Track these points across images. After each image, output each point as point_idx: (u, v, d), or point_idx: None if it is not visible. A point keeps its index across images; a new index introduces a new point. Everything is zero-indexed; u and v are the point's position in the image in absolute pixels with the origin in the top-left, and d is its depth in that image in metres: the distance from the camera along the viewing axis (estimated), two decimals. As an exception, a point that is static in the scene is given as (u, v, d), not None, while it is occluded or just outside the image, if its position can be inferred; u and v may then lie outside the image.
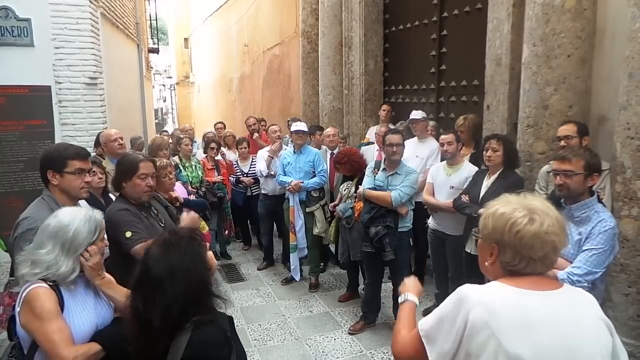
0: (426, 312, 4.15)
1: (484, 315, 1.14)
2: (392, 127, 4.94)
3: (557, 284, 1.25)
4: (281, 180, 4.78)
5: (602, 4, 3.19)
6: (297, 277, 4.94)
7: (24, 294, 1.63)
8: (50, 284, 1.68)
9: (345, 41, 6.36)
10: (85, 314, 1.75)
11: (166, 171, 3.32)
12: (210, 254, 1.62)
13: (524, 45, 3.47)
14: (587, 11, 3.20)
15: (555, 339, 1.13)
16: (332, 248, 5.41)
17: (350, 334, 3.86)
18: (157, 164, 3.36)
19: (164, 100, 31.78)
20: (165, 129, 16.75)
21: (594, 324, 1.19)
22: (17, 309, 1.64)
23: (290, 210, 4.74)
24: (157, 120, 20.18)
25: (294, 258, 4.86)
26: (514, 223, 1.19)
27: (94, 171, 3.24)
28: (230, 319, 1.60)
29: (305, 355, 3.59)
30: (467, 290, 1.21)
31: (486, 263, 1.28)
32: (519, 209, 1.21)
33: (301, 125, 4.85)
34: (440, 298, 4.15)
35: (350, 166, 4.10)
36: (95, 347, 1.66)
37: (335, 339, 3.80)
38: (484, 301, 1.16)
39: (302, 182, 4.63)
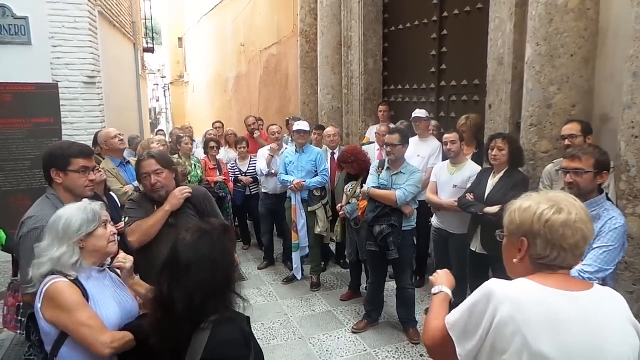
0: (427, 311, 4.15)
1: (511, 310, 1.14)
2: (392, 126, 4.95)
3: (587, 285, 1.25)
4: (283, 179, 4.77)
5: (605, 3, 3.22)
6: (299, 276, 4.93)
7: (43, 290, 1.63)
8: (71, 278, 1.67)
9: (344, 40, 6.36)
10: (110, 304, 1.76)
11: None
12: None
13: (527, 44, 3.49)
14: (590, 11, 3.22)
15: (581, 339, 1.13)
16: (332, 247, 5.42)
17: (353, 332, 3.86)
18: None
19: (157, 100, 31.58)
20: (161, 127, 16.65)
21: (621, 325, 1.19)
22: (38, 304, 1.63)
23: (292, 208, 4.73)
24: (150, 120, 20.07)
25: (295, 257, 4.85)
26: (541, 213, 1.20)
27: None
28: (248, 319, 1.58)
29: (310, 353, 3.58)
30: (494, 285, 1.20)
31: (514, 260, 1.27)
32: (543, 202, 1.23)
33: (303, 125, 4.84)
34: (442, 297, 4.15)
35: (357, 165, 4.09)
36: (129, 335, 1.68)
37: (338, 338, 3.80)
38: (511, 297, 1.16)
39: (304, 181, 4.63)
